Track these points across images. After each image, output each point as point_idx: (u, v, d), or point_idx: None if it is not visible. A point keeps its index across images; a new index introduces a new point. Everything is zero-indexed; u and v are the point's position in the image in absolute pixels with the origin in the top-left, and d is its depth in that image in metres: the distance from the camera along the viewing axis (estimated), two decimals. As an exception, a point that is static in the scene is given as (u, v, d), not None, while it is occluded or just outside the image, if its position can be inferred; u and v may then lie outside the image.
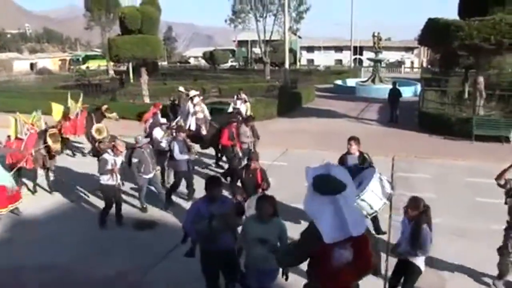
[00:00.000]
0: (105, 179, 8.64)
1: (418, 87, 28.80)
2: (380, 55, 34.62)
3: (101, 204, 9.63)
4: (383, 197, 6.82)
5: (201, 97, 14.90)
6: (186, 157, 9.92)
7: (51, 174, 11.10)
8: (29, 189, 10.96)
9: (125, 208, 9.59)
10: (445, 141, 15.82)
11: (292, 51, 42.57)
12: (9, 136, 10.79)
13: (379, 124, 19.56)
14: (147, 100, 23.31)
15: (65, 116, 14.08)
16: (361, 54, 69.20)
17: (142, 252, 7.63)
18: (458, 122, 16.57)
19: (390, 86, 21.83)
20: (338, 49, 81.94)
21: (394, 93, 20.47)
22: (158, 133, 11.35)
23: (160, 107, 15.59)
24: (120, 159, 8.79)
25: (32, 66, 67.74)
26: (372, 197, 6.71)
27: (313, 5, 41.71)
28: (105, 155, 8.65)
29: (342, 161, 7.91)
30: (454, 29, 15.40)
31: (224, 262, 5.62)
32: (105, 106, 14.78)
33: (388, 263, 7.14)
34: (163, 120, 12.96)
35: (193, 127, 12.53)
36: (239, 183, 8.21)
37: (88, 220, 8.99)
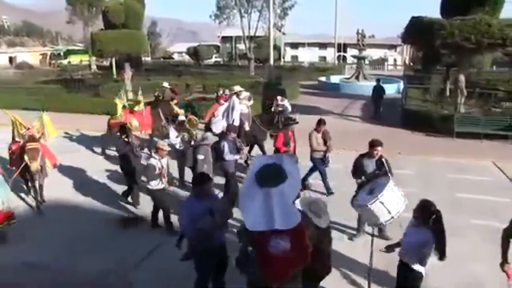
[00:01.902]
0: (154, 184, 8.27)
1: (401, 84, 29.12)
2: (363, 52, 34.87)
3: (86, 203, 9.63)
4: (392, 211, 6.40)
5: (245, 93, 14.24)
6: (236, 157, 9.52)
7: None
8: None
9: (110, 206, 9.60)
10: (427, 138, 16.07)
11: (276, 47, 42.61)
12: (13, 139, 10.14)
13: (362, 121, 19.76)
14: (131, 95, 23.11)
15: (131, 110, 13.80)
16: (345, 51, 69.46)
17: (127, 250, 7.59)
18: (439, 119, 16.84)
19: (374, 83, 22.03)
20: (322, 46, 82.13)
21: (378, 90, 20.70)
22: (173, 131, 10.95)
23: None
24: (165, 161, 8.49)
25: (11, 60, 66.50)
26: (380, 209, 6.39)
27: (298, 1, 41.83)
28: (152, 160, 8.29)
29: (359, 162, 7.70)
30: (437, 27, 15.69)
31: (219, 257, 5.68)
32: (174, 101, 14.49)
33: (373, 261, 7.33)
34: (182, 117, 12.03)
35: (236, 123, 11.83)
36: None
37: (72, 220, 8.87)
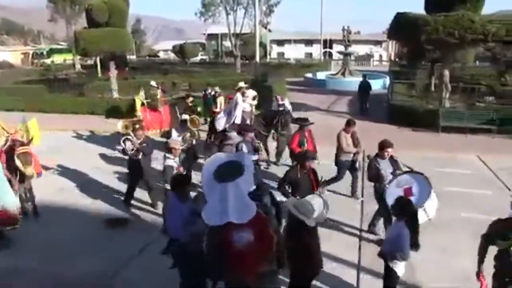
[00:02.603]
0: None
1: (387, 80, 29.32)
2: (349, 49, 35.04)
3: (69, 204, 9.56)
4: (430, 214, 6.60)
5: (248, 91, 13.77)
6: (253, 157, 9.03)
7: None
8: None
9: (95, 207, 9.56)
10: (413, 133, 16.25)
11: (262, 44, 42.60)
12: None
13: (349, 116, 19.83)
14: (116, 95, 22.97)
15: (151, 107, 13.56)
16: (330, 47, 69.75)
17: (115, 251, 7.55)
18: (425, 114, 17.04)
19: (360, 79, 22.19)
20: (308, 42, 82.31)
21: (364, 86, 20.86)
22: (174, 132, 10.64)
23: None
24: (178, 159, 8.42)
25: (-10, 59, 65.20)
26: (421, 215, 6.47)
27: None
28: (168, 161, 8.25)
29: (374, 166, 7.55)
30: (421, 23, 15.93)
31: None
32: (191, 98, 14.20)
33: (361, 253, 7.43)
34: (185, 116, 11.79)
35: (238, 120, 11.70)
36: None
37: (58, 223, 8.77)
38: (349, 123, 9.79)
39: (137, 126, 9.82)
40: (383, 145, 7.51)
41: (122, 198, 9.90)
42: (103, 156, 13.59)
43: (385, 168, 7.42)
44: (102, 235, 8.28)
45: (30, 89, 24.40)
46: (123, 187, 10.79)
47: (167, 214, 5.61)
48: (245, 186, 4.20)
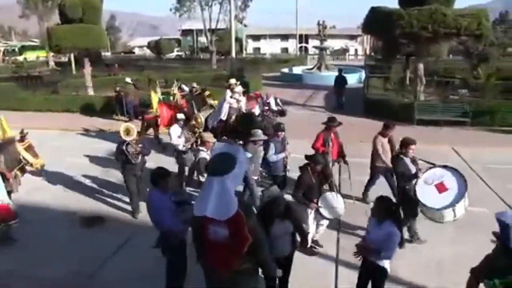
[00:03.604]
0: None
1: (363, 74, 29.61)
2: (325, 43, 35.22)
3: (44, 203, 9.34)
4: (458, 215, 6.39)
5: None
6: (280, 156, 8.79)
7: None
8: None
9: (71, 206, 9.40)
10: (389, 126, 16.37)
11: (238, 39, 42.53)
12: None
13: (326, 111, 19.95)
14: (91, 92, 22.62)
15: (168, 104, 13.26)
16: (306, 42, 70.08)
17: (89, 251, 7.39)
18: (400, 108, 17.25)
19: (336, 73, 22.30)
20: (284, 37, 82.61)
21: (340, 80, 20.98)
22: (175, 130, 10.19)
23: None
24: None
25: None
26: (449, 213, 6.34)
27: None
28: (202, 154, 8.18)
29: (397, 162, 7.24)
30: (396, 17, 16.10)
31: None
32: (207, 92, 13.67)
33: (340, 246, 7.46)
34: (181, 116, 10.98)
35: (224, 117, 11.44)
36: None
37: (31, 222, 8.42)
38: (387, 126, 9.02)
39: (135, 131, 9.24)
40: (407, 142, 7.20)
41: (99, 196, 9.80)
42: (79, 155, 13.36)
43: (412, 166, 7.14)
44: (79, 234, 8.11)
45: (2, 87, 23.83)
46: (100, 186, 10.67)
47: (157, 210, 5.47)
48: (232, 182, 4.12)
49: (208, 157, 8.07)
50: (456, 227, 7.64)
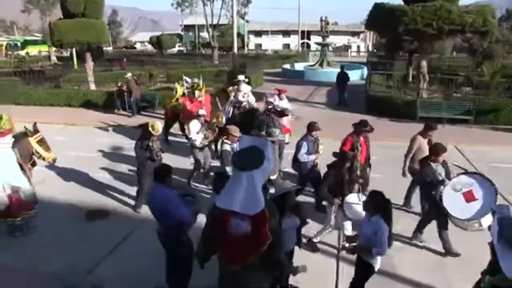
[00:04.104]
0: (230, 170, 7.84)
1: (365, 70, 29.50)
2: (327, 39, 35.09)
3: (48, 196, 9.29)
4: (484, 225, 6.21)
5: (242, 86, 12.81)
6: (311, 157, 8.51)
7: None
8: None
9: (74, 199, 9.34)
10: (392, 123, 16.33)
11: (239, 35, 42.46)
12: None
13: (327, 107, 19.91)
14: (93, 86, 22.57)
15: (190, 98, 13.05)
16: (308, 38, 69.88)
17: (91, 246, 7.35)
18: (403, 105, 17.17)
19: (338, 70, 22.22)
20: (286, 33, 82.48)
21: (342, 77, 20.87)
22: (194, 126, 9.88)
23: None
24: (236, 146, 8.13)
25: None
26: (474, 224, 6.28)
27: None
28: (226, 146, 8.13)
29: (429, 169, 6.95)
30: (399, 14, 15.98)
31: None
32: (230, 88, 13.33)
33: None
34: (202, 111, 10.46)
35: (229, 115, 11.20)
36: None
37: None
38: (430, 127, 8.50)
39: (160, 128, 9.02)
40: (439, 150, 7.00)
41: (102, 190, 9.80)
42: (81, 149, 13.32)
43: (440, 172, 6.98)
44: (80, 228, 8.07)
45: (5, 81, 23.80)
46: (102, 180, 10.64)
47: (165, 205, 5.38)
48: (260, 178, 4.11)
49: (231, 150, 8.08)
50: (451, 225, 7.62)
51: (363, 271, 5.41)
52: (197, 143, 9.73)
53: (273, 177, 8.28)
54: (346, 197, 6.68)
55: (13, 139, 7.81)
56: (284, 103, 12.53)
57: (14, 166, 7.60)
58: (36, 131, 8.32)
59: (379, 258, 5.25)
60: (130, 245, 7.41)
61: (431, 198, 6.91)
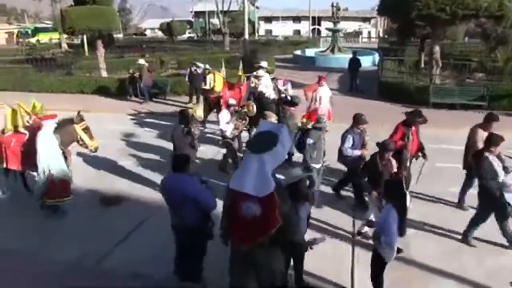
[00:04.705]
0: None
1: (376, 56, 29.28)
2: (338, 25, 34.81)
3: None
4: None
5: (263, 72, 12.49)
6: (356, 153, 8.05)
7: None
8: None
9: (89, 187, 9.46)
10: (404, 109, 16.18)
11: (250, 21, 42.20)
12: (2, 130, 8.62)
13: (340, 93, 19.81)
14: (104, 73, 22.67)
15: (230, 85, 12.89)
16: (319, 24, 69.34)
17: (104, 233, 7.44)
18: (416, 91, 17.09)
19: (349, 56, 22.08)
20: (296, 19, 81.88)
21: (354, 63, 20.77)
22: (224, 116, 9.67)
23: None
24: None
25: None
26: None
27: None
28: None
29: (482, 161, 6.62)
30: (412, -1, 15.75)
31: None
32: (252, 77, 12.91)
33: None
34: (232, 101, 10.28)
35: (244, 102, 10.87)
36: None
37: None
38: (492, 118, 7.92)
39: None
40: (497, 141, 6.70)
41: (117, 177, 9.94)
42: (95, 135, 13.34)
43: (498, 164, 6.69)
44: (93, 215, 8.20)
45: (18, 69, 24.00)
46: (116, 167, 10.80)
47: (201, 192, 5.41)
48: (271, 160, 4.18)
49: None
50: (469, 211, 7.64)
51: (375, 263, 5.45)
52: (228, 133, 9.52)
53: (317, 166, 8.07)
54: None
55: (56, 125, 8.06)
56: (289, 91, 12.22)
57: (57, 151, 7.84)
58: (82, 119, 8.54)
59: (390, 252, 5.15)
60: (144, 231, 7.51)
61: (489, 191, 6.55)
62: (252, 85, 12.04)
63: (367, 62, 27.73)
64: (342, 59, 26.91)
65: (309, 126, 8.42)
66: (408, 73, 21.32)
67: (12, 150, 8.25)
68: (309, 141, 7.81)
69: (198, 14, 74.68)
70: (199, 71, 16.73)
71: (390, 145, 6.87)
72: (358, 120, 8.12)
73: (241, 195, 4.21)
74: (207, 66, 16.44)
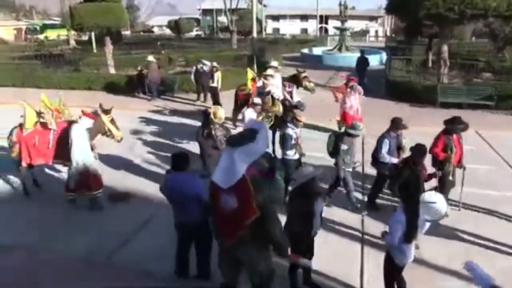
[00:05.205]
0: (291, 154, 8.02)
1: (384, 55, 29.22)
2: (346, 24, 34.75)
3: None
4: None
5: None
6: (393, 160, 7.76)
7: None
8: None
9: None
10: (412, 108, 16.27)
11: (258, 20, 42.16)
12: (21, 126, 8.55)
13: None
14: (112, 70, 22.79)
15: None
16: (326, 23, 69.23)
17: (113, 228, 7.54)
18: (423, 90, 17.09)
19: (356, 55, 22.06)
20: (304, 18, 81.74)
21: (362, 62, 20.76)
22: (250, 114, 9.56)
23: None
24: (298, 131, 8.14)
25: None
26: None
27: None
28: (288, 130, 8.02)
29: None
30: (421, -2, 15.74)
31: None
32: (303, 74, 12.95)
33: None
34: (258, 100, 10.13)
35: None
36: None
37: (59, 196, 8.59)
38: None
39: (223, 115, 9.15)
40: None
41: (125, 173, 10.03)
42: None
43: None
44: (103, 210, 8.32)
45: (27, 65, 24.17)
46: (125, 163, 10.89)
47: (192, 192, 5.44)
48: (243, 155, 4.28)
49: (294, 135, 8.02)
50: (479, 210, 7.67)
51: (386, 265, 5.44)
52: None
53: (349, 170, 7.99)
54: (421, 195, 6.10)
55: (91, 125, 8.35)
56: (294, 96, 12.03)
57: (88, 145, 8.14)
58: (109, 110, 8.68)
59: (399, 254, 5.16)
60: (151, 227, 7.58)
61: None
62: (259, 84, 11.99)
63: (374, 61, 27.65)
64: (350, 58, 26.89)
65: (342, 129, 8.37)
66: (415, 72, 21.31)
67: (37, 148, 8.40)
68: (343, 147, 7.70)
69: (205, 12, 74.75)
70: (206, 68, 16.77)
71: (422, 149, 6.61)
72: (397, 124, 7.89)
73: (218, 188, 4.34)
74: (215, 64, 16.50)
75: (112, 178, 9.83)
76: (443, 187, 7.49)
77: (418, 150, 6.58)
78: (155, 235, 7.23)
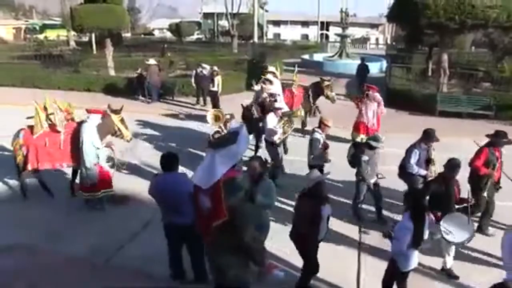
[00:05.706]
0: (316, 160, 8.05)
1: (384, 63, 29.30)
2: (347, 31, 34.86)
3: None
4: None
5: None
6: (422, 173, 7.65)
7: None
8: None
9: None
10: (411, 117, 16.33)
11: (259, 25, 42.29)
12: (30, 128, 8.37)
13: (347, 99, 19.85)
14: (112, 72, 22.79)
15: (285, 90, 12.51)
16: (327, 29, 69.37)
17: (113, 229, 7.55)
18: (423, 99, 17.17)
19: (357, 62, 22.15)
20: (304, 24, 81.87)
21: (363, 69, 20.87)
22: (271, 120, 9.40)
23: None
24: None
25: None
26: None
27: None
28: (316, 135, 8.03)
29: None
30: (422, 7, 15.82)
31: None
32: (326, 82, 12.82)
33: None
34: (278, 105, 10.08)
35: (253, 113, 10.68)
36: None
37: (59, 197, 8.72)
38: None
39: (228, 117, 9.42)
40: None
41: (125, 176, 9.97)
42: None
43: None
44: (103, 213, 8.32)
45: (26, 65, 24.15)
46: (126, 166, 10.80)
47: (184, 192, 5.29)
48: (223, 157, 4.36)
49: (321, 140, 8.05)
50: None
51: (388, 269, 5.48)
52: (275, 138, 9.26)
53: (372, 181, 7.81)
54: (449, 214, 6.00)
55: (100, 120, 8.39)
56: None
57: (99, 143, 8.22)
58: (119, 110, 8.76)
59: (402, 260, 5.18)
60: (151, 229, 7.55)
61: None
62: (257, 88, 11.92)
63: (374, 68, 27.71)
64: (350, 64, 26.97)
65: (358, 139, 8.52)
66: (415, 80, 21.39)
67: (47, 150, 8.30)
68: (364, 158, 7.58)
69: (206, 15, 74.75)
70: (205, 72, 16.78)
71: (453, 162, 6.43)
72: (429, 137, 7.72)
73: (198, 188, 4.50)
74: (215, 68, 16.53)
75: (114, 180, 9.82)
76: (486, 211, 7.27)
77: (449, 163, 6.43)
78: (155, 237, 7.16)
